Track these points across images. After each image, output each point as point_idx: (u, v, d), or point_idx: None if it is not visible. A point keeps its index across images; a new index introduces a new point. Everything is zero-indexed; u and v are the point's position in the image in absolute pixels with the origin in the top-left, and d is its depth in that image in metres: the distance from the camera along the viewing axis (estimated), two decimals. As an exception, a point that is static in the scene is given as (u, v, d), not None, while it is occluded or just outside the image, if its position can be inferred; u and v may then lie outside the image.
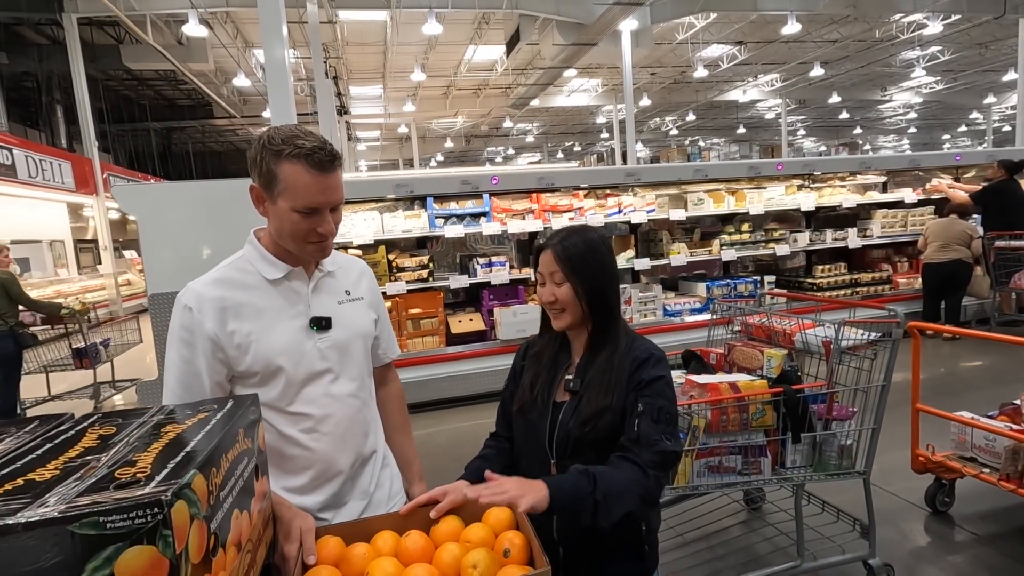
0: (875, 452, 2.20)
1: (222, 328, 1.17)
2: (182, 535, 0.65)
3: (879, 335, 2.17)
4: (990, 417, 2.72)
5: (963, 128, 31.66)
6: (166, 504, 0.63)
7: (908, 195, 6.49)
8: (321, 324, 1.24)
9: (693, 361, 2.46)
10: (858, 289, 6.23)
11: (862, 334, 2.17)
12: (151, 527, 0.62)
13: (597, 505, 1.09)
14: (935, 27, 13.39)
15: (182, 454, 0.77)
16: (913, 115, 26.97)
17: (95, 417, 0.97)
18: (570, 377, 1.28)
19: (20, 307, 4.88)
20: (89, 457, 0.78)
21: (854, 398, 2.16)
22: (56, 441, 0.86)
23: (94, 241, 13.29)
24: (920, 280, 6.05)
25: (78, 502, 0.63)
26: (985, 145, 25.88)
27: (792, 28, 12.34)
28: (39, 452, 0.81)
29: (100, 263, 12.91)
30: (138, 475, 0.70)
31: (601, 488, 1.10)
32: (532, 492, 1.07)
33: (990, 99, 22.90)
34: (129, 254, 13.84)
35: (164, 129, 20.16)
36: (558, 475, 1.18)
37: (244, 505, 0.90)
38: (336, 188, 1.16)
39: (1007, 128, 29.30)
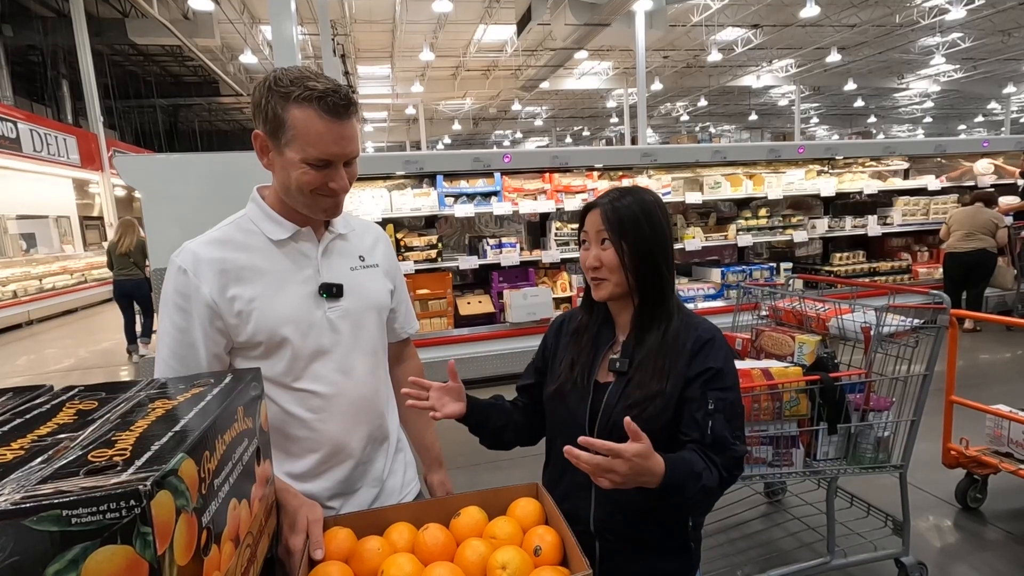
0: (913, 445, 2.08)
1: (221, 294, 1.05)
2: (165, 532, 0.54)
3: (922, 322, 2.03)
4: (1028, 411, 2.59)
5: (980, 118, 31.08)
6: (145, 495, 0.51)
7: (931, 182, 6.30)
8: (332, 291, 1.12)
9: (719, 346, 2.33)
10: (876, 278, 6.07)
11: (904, 320, 2.04)
12: (126, 523, 0.50)
13: (689, 503, 1.01)
14: (958, 12, 13.02)
15: (170, 434, 0.65)
16: (929, 104, 26.45)
17: (76, 390, 0.86)
18: (615, 356, 1.14)
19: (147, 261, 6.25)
20: (62, 436, 0.67)
21: (893, 388, 2.03)
22: (27, 416, 0.74)
23: (100, 218, 13.22)
24: (941, 270, 5.89)
25: (38, 491, 0.51)
26: (1003, 135, 25.40)
27: (810, 11, 12.00)
28: (5, 429, 0.70)
29: (106, 240, 12.85)
30: (115, 458, 0.58)
31: (702, 481, 1.00)
32: (645, 478, 0.93)
33: (1009, 88, 22.39)
34: (135, 232, 13.75)
35: (170, 106, 19.96)
36: (669, 460, 0.98)
37: (243, 493, 0.79)
38: (351, 138, 1.03)
39: (1026, 119, 28.79)
